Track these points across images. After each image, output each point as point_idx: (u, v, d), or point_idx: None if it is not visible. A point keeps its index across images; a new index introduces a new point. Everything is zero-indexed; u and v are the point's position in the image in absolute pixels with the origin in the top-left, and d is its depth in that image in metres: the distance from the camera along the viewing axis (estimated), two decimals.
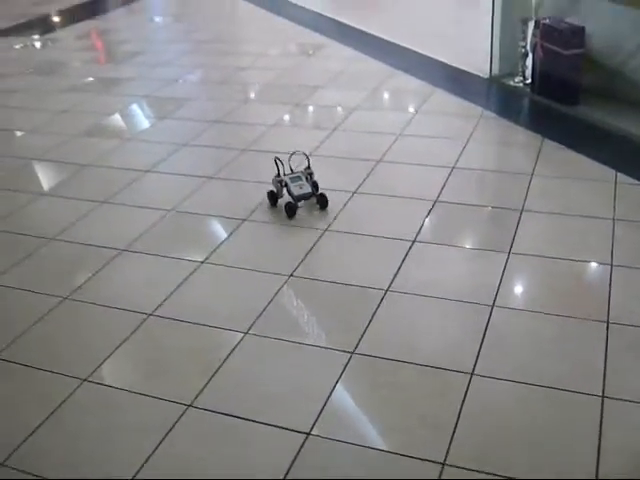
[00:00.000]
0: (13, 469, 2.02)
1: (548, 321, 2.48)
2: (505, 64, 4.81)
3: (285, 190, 3.33)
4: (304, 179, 3.34)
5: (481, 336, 2.41)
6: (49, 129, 4.60)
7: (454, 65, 5.23)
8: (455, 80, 4.99)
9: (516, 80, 4.68)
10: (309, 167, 3.40)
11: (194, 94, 5.10)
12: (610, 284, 2.65)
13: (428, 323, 2.52)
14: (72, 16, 8.17)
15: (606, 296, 2.58)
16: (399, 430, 2.08)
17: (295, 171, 3.39)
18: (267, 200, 3.38)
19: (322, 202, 3.30)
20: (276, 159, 3.37)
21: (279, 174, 3.36)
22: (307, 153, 3.47)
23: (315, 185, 3.37)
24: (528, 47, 4.55)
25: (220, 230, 3.22)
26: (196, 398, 2.22)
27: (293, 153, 3.43)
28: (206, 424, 2.13)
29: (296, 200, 3.27)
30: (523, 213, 3.16)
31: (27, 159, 4.15)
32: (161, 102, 4.99)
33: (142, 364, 2.45)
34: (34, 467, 2.02)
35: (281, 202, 3.33)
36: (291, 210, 3.25)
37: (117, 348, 2.48)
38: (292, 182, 3.31)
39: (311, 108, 4.66)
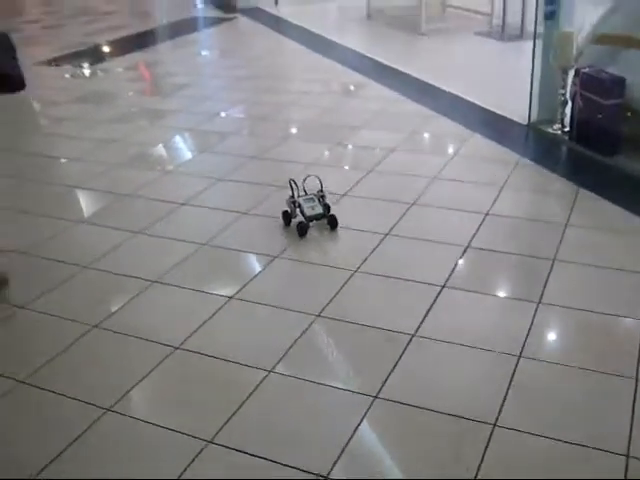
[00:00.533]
0: None
1: (575, 375, 2.44)
2: (544, 111, 4.80)
3: (298, 210, 3.51)
4: (317, 200, 3.53)
5: (506, 387, 2.39)
6: (92, 158, 4.70)
7: (493, 110, 5.24)
8: (493, 125, 4.99)
9: (554, 128, 4.67)
10: (321, 190, 3.58)
11: (235, 129, 5.18)
12: None
13: (453, 370, 2.50)
14: (122, 47, 8.37)
15: (636, 352, 2.54)
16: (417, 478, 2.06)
17: (309, 193, 3.56)
18: (281, 220, 3.57)
19: (332, 223, 3.50)
20: (290, 181, 3.57)
21: (293, 195, 3.55)
22: (317, 176, 3.65)
23: (327, 207, 3.54)
24: (568, 95, 4.55)
25: (251, 266, 3.25)
26: (216, 435, 2.23)
27: (307, 177, 3.63)
28: (224, 462, 2.13)
29: (308, 220, 3.46)
30: (555, 263, 3.13)
31: (69, 187, 4.25)
32: (202, 136, 5.08)
33: (165, 397, 2.48)
34: None
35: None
36: (302, 229, 3.43)
37: (142, 379, 2.50)
38: (305, 203, 3.51)
39: (349, 148, 4.70)
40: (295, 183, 3.57)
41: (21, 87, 2.80)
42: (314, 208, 3.50)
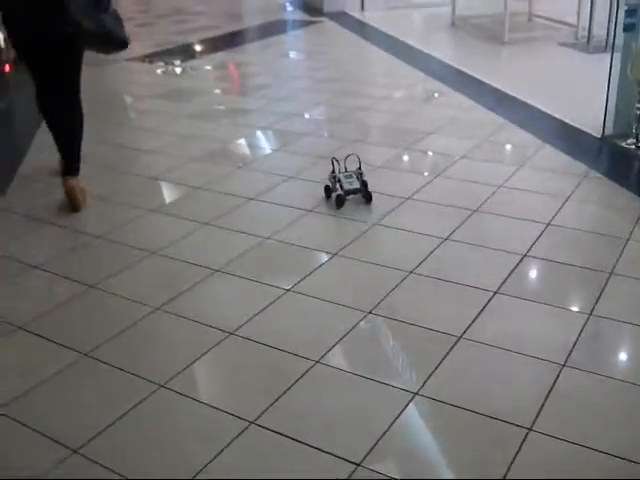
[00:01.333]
0: (85, 457, 2.20)
1: (617, 388, 2.45)
2: (619, 125, 4.75)
3: (338, 185, 3.91)
4: (355, 177, 3.93)
5: (546, 393, 2.42)
6: (171, 151, 4.90)
7: (568, 122, 5.20)
8: (566, 137, 4.96)
9: (628, 142, 4.61)
10: (360, 168, 4.00)
11: (310, 129, 5.30)
12: None
13: (495, 374, 2.54)
14: (210, 47, 8.64)
15: None
16: (447, 474, 2.12)
17: (349, 170, 3.97)
18: (324, 195, 4.01)
19: (367, 197, 3.92)
20: (333, 159, 4.02)
21: (334, 171, 3.98)
22: (357, 155, 4.11)
23: (364, 183, 3.94)
24: None
25: (310, 261, 3.35)
26: (259, 417, 2.34)
27: (348, 155, 4.07)
28: (263, 442, 2.24)
29: (345, 194, 3.88)
30: (612, 276, 3.13)
31: (147, 177, 4.45)
32: (278, 135, 5.23)
33: (215, 378, 2.62)
34: (100, 458, 2.20)
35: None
36: (339, 201, 3.88)
37: (195, 360, 2.64)
38: (345, 179, 3.92)
39: (419, 153, 4.75)
40: (337, 161, 4.00)
41: (126, 47, 3.84)
42: (352, 183, 3.91)
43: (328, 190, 3.98)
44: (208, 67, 7.74)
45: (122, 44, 3.79)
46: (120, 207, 4.03)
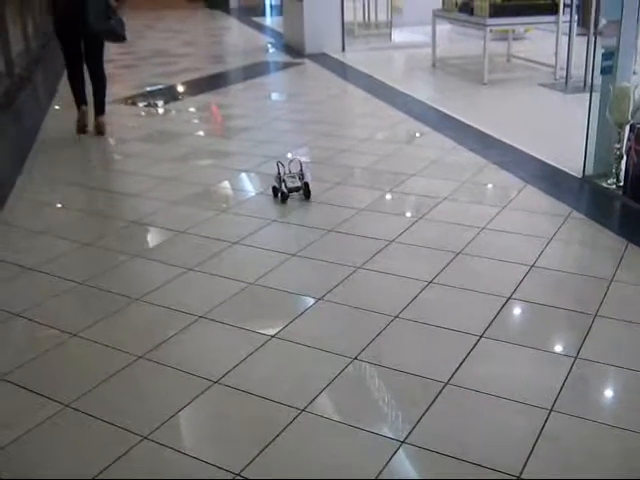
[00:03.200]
0: None
1: (607, 433, 2.44)
2: (599, 165, 4.81)
3: (283, 185, 4.57)
4: (297, 178, 4.62)
5: (534, 440, 2.40)
6: (153, 195, 4.90)
7: (549, 162, 5.26)
8: (548, 177, 5.01)
9: (609, 182, 4.66)
10: (302, 170, 4.68)
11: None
12: None
13: (482, 420, 2.53)
14: (192, 89, 8.70)
15: None
16: None
17: (292, 172, 4.66)
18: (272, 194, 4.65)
19: (306, 192, 4.60)
20: (278, 162, 4.70)
21: (279, 173, 4.64)
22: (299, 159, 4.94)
23: (306, 184, 4.62)
24: (623, 150, 4.54)
25: (295, 306, 3.34)
26: (244, 469, 2.30)
27: (292, 160, 4.82)
28: None
29: (289, 191, 4.57)
30: (596, 318, 3.13)
31: (128, 221, 4.43)
32: (260, 178, 5.24)
33: (200, 428, 2.58)
34: None
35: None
36: (283, 197, 4.57)
37: (180, 410, 2.61)
38: (289, 179, 4.61)
39: (401, 195, 4.77)
40: (282, 164, 4.69)
41: (125, 40, 6.58)
42: (294, 182, 4.61)
43: (275, 190, 4.62)
44: (190, 109, 7.77)
45: (122, 38, 6.46)
46: (103, 252, 4.00)
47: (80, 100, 6.59)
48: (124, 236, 4.23)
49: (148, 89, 8.64)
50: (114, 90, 8.39)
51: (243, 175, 5.33)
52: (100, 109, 6.60)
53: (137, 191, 5.01)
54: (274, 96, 8.70)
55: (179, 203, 4.72)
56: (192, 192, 4.91)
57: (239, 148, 6.02)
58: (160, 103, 7.96)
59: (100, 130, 6.50)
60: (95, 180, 5.36)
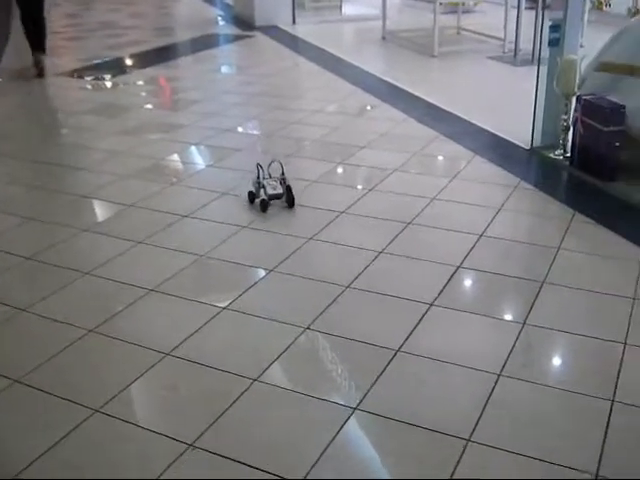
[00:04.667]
0: None
1: (553, 395, 2.50)
2: (547, 136, 4.87)
3: (262, 191, 4.04)
4: (278, 183, 4.06)
5: (483, 404, 2.45)
6: (101, 168, 4.82)
7: (498, 134, 5.31)
8: (496, 149, 5.06)
9: (556, 153, 4.73)
10: (283, 173, 4.11)
11: (242, 145, 5.28)
12: (621, 363, 2.66)
13: (433, 386, 2.57)
14: (141, 61, 8.54)
15: (615, 375, 2.59)
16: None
17: (272, 176, 4.11)
18: (248, 200, 4.10)
19: (289, 200, 4.03)
20: (258, 165, 4.09)
21: (259, 177, 4.08)
22: (280, 161, 4.19)
23: (288, 189, 4.05)
24: (570, 121, 4.62)
25: (246, 278, 3.33)
26: (198, 439, 2.31)
27: (272, 162, 4.16)
28: (202, 465, 2.21)
29: (269, 198, 4.00)
30: (544, 285, 3.19)
31: (77, 195, 4.36)
32: (209, 150, 5.20)
33: (152, 401, 2.57)
34: None
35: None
36: (263, 205, 3.99)
37: (131, 383, 2.59)
38: (268, 185, 4.04)
39: (352, 167, 4.78)
40: (261, 167, 4.09)
41: None
42: (275, 188, 4.03)
43: (252, 195, 4.09)
44: (139, 82, 7.64)
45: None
46: (51, 227, 3.93)
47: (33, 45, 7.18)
48: (72, 210, 4.16)
49: (96, 62, 8.45)
50: (61, 62, 8.25)
51: (193, 148, 5.27)
52: (40, 45, 7.21)
53: (85, 165, 4.93)
54: (224, 69, 8.60)
55: (128, 176, 4.65)
56: (141, 165, 4.84)
57: (188, 121, 5.94)
58: (108, 76, 7.81)
59: (40, 70, 7.13)
60: (42, 153, 5.24)
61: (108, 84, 7.55)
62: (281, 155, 4.90)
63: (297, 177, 4.40)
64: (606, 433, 2.31)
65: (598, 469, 2.15)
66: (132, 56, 8.88)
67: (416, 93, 6.55)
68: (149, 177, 4.65)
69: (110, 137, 5.54)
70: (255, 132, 5.79)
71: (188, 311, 3.06)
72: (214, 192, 4.31)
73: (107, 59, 8.62)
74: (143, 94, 7.25)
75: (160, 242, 3.68)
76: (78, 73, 7.85)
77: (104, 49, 9.20)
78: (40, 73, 7.10)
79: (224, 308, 3.06)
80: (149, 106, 6.74)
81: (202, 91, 7.02)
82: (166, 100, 7.12)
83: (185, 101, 6.69)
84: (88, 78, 7.70)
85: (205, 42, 9.78)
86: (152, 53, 9.02)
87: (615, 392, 2.49)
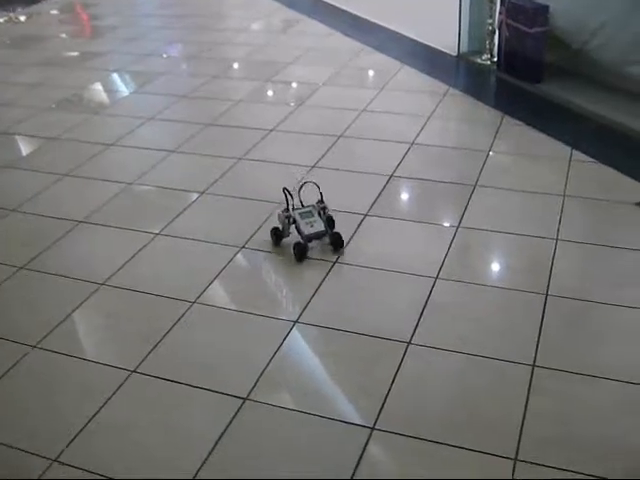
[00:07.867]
0: None
1: (488, 292, 2.55)
2: (473, 42, 4.85)
3: (294, 227, 2.87)
4: (316, 214, 2.89)
5: (422, 307, 2.48)
6: (20, 102, 4.63)
7: (424, 42, 5.27)
8: (423, 57, 5.03)
9: (483, 58, 4.72)
10: (322, 200, 2.93)
11: (165, 69, 5.12)
12: (553, 258, 2.72)
13: (371, 294, 2.58)
14: None
15: (548, 269, 2.65)
16: (333, 395, 2.15)
17: (306, 205, 2.92)
18: (270, 237, 2.91)
19: (336, 242, 2.82)
20: (285, 190, 2.89)
21: (287, 208, 2.88)
22: (317, 183, 2.98)
23: (330, 221, 2.93)
24: (495, 25, 4.59)
25: (178, 202, 3.27)
26: (140, 364, 2.29)
27: (304, 184, 2.97)
28: (147, 390, 2.20)
29: (306, 240, 2.81)
30: (476, 188, 3.22)
31: None
32: (132, 76, 5.03)
33: (91, 331, 2.53)
34: None
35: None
36: (300, 252, 2.78)
37: (68, 316, 2.54)
38: (302, 219, 2.85)
39: (279, 84, 4.69)
40: (290, 193, 2.89)
41: None
42: (313, 225, 2.83)
43: (278, 233, 2.89)
44: (53, 11, 7.30)
45: None
46: None
47: None
48: None
49: None
50: None
51: (114, 75, 5.09)
52: None
53: (4, 100, 4.72)
54: None
55: (49, 109, 4.48)
56: (62, 97, 4.67)
57: (108, 48, 5.73)
58: (19, 8, 7.43)
59: None
60: None
61: (22, 16, 7.19)
62: (208, 76, 4.79)
63: (223, 98, 4.30)
64: (541, 325, 2.37)
65: (535, 360, 2.21)
66: None
67: (340, 6, 6.42)
68: (71, 108, 4.49)
69: (27, 69, 5.30)
70: (179, 54, 5.61)
71: (120, 240, 3.00)
72: (139, 118, 4.19)
73: None
74: (58, 23, 6.93)
75: (86, 173, 3.57)
76: None
77: None
78: None
79: (157, 234, 3.01)
80: (65, 35, 6.45)
81: (120, 16, 6.76)
82: (83, 28, 6.84)
83: (103, 27, 6.44)
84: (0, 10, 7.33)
85: None
86: None
87: (548, 286, 2.55)
